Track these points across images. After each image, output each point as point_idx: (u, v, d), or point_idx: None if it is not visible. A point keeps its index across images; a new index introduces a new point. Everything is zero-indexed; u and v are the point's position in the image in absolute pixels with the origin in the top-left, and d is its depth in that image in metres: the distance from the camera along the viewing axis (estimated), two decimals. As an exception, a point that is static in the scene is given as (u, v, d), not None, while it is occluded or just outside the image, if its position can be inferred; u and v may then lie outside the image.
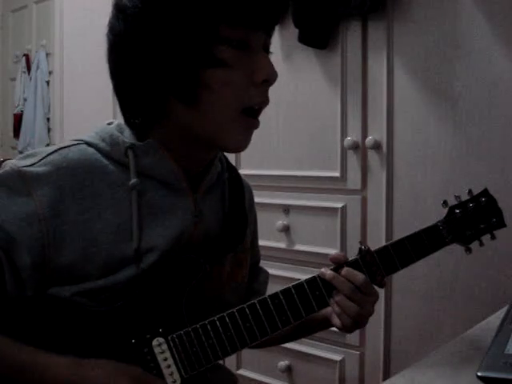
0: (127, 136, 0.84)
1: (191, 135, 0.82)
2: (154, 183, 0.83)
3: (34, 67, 3.61)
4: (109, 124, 0.87)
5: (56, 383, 0.72)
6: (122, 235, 0.79)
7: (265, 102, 0.82)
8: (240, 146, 0.84)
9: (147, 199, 0.82)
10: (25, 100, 3.72)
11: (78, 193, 0.78)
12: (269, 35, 0.83)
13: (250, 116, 0.82)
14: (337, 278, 0.84)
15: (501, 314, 0.98)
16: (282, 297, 0.83)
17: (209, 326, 0.81)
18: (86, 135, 0.85)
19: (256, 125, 0.84)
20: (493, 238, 0.92)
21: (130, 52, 0.80)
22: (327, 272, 0.85)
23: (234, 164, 1.00)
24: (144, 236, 0.80)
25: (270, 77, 0.79)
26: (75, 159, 0.79)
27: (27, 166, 0.78)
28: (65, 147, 0.81)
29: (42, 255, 0.76)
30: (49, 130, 3.57)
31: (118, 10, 0.81)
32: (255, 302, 0.83)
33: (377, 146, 1.61)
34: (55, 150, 0.80)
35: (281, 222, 1.81)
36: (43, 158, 0.79)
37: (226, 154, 0.96)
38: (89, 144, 0.82)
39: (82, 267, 0.77)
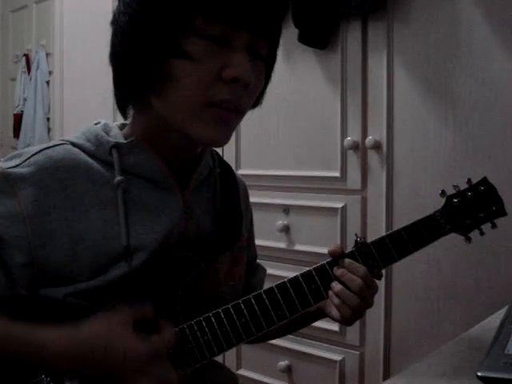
0: (113, 135, 0.85)
1: (168, 126, 0.81)
2: (140, 181, 0.83)
3: (34, 67, 3.61)
4: (96, 124, 0.88)
5: (54, 358, 0.73)
6: (109, 233, 0.79)
7: (233, 101, 0.77)
8: (212, 139, 0.79)
9: (133, 197, 0.82)
10: (25, 100, 3.72)
11: (63, 192, 0.78)
12: (257, 37, 0.78)
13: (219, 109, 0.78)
14: (343, 271, 0.84)
15: (501, 314, 0.98)
16: (277, 291, 0.83)
17: (204, 323, 0.81)
18: (71, 136, 0.85)
19: (229, 118, 0.79)
20: (494, 226, 0.91)
21: (116, 36, 0.81)
22: (339, 270, 0.85)
23: (233, 164, 1.00)
24: (132, 234, 0.80)
25: (240, 76, 0.75)
26: (59, 159, 0.80)
27: (12, 167, 0.78)
28: (49, 147, 0.81)
29: (29, 254, 0.76)
30: (49, 130, 3.57)
31: None
32: (250, 297, 0.83)
33: (377, 146, 1.61)
34: (40, 151, 0.80)
35: (281, 221, 1.81)
36: (27, 158, 0.79)
37: (224, 153, 0.96)
38: (74, 144, 0.83)
39: (71, 266, 0.78)
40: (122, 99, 0.85)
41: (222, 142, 0.81)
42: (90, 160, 0.82)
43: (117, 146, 0.82)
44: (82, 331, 0.74)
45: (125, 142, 0.83)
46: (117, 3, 0.82)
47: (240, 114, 0.80)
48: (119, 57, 0.81)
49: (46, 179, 0.78)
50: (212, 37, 0.75)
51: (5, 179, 0.77)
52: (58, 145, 0.82)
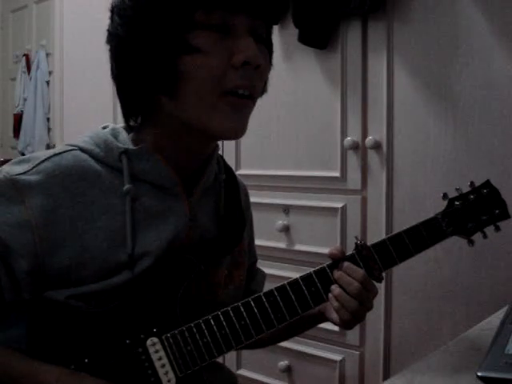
0: (122, 140, 0.84)
1: (181, 128, 0.81)
2: (148, 188, 0.83)
3: (34, 67, 3.62)
4: (104, 128, 0.87)
5: None
6: (116, 241, 0.79)
7: (247, 85, 0.78)
8: (231, 129, 0.79)
9: (141, 204, 0.82)
10: (25, 100, 3.73)
11: (71, 200, 0.78)
12: (257, 19, 0.78)
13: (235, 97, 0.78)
14: (341, 274, 0.84)
15: (501, 314, 0.98)
16: (276, 294, 0.83)
17: (203, 325, 0.80)
18: (79, 140, 0.84)
19: (245, 105, 0.79)
20: (497, 229, 0.90)
21: (118, 49, 0.81)
22: (338, 273, 0.85)
23: (233, 164, 1.00)
24: (138, 241, 0.80)
25: (250, 59, 0.76)
26: (68, 166, 0.79)
27: (20, 173, 0.77)
28: (58, 154, 0.80)
29: (35, 262, 0.76)
30: (49, 130, 3.57)
31: (110, 13, 0.82)
32: (250, 300, 0.82)
33: (377, 146, 1.61)
34: (48, 157, 0.80)
35: (281, 221, 1.81)
36: (36, 165, 0.78)
37: (224, 153, 0.96)
38: (82, 150, 0.82)
39: (76, 273, 0.78)
40: (131, 110, 0.85)
41: (240, 133, 0.81)
42: (98, 167, 0.81)
43: (126, 152, 0.82)
44: (78, 381, 0.75)
45: (134, 148, 0.82)
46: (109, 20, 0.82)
47: (253, 99, 0.81)
48: (127, 68, 0.80)
49: (55, 188, 0.77)
50: (214, 26, 0.75)
51: (13, 186, 0.76)
52: (66, 151, 0.81)
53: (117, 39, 0.80)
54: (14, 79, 3.89)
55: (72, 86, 2.59)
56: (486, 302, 1.43)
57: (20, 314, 0.78)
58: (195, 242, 0.86)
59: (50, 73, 3.48)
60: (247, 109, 0.80)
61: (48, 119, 3.58)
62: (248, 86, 0.78)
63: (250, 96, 0.79)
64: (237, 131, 0.80)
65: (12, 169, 0.78)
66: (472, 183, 0.91)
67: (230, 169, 0.99)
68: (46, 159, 0.79)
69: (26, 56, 3.73)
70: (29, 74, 3.69)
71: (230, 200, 0.94)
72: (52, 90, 3.34)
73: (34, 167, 0.78)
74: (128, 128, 0.87)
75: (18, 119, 3.80)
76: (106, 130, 0.86)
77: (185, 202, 0.85)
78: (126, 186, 0.80)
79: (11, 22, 3.94)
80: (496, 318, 0.98)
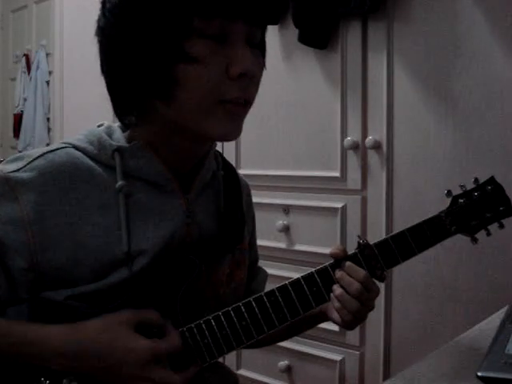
0: (116, 138, 0.84)
1: (176, 129, 0.81)
2: (142, 185, 0.83)
3: (33, 67, 3.61)
4: (99, 126, 0.87)
5: (54, 354, 0.73)
6: (110, 238, 0.79)
7: (243, 96, 0.78)
8: (226, 134, 0.79)
9: (136, 201, 0.82)
10: (25, 100, 3.72)
11: (64, 197, 0.78)
12: (254, 26, 0.78)
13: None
14: (342, 274, 0.84)
15: (501, 314, 0.98)
16: (278, 294, 0.83)
17: (204, 326, 0.80)
18: (74, 138, 0.84)
19: (241, 111, 0.79)
20: (501, 226, 0.90)
21: (109, 48, 0.80)
22: (339, 273, 0.84)
23: (233, 164, 1.00)
24: (134, 238, 0.80)
25: (247, 70, 0.75)
26: (61, 163, 0.79)
27: (13, 171, 0.77)
28: (51, 151, 0.80)
29: (31, 259, 0.76)
30: (49, 130, 3.57)
31: (101, 6, 0.81)
32: (251, 299, 0.82)
33: (377, 146, 1.61)
34: (42, 154, 0.80)
35: (281, 221, 1.81)
36: (29, 162, 0.78)
37: (224, 153, 0.95)
38: (76, 147, 0.82)
39: (72, 271, 0.77)
40: (123, 110, 0.85)
41: (235, 136, 0.81)
42: (92, 164, 0.81)
43: (119, 149, 0.82)
44: (83, 329, 0.74)
45: (127, 145, 0.82)
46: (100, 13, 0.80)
47: (249, 105, 0.81)
48: (119, 69, 0.80)
49: (48, 184, 0.77)
50: (211, 35, 0.74)
51: (6, 183, 0.76)
52: (60, 148, 0.81)
53: (109, 39, 0.80)
54: (14, 79, 3.89)
55: (72, 86, 2.59)
56: (486, 302, 1.43)
57: (18, 313, 0.78)
58: (194, 239, 0.86)
59: (50, 73, 3.47)
60: (243, 114, 0.81)
61: (48, 119, 3.57)
62: (245, 96, 0.78)
63: (246, 103, 0.79)
64: (232, 135, 0.80)
65: (5, 167, 0.79)
66: (476, 179, 0.90)
67: (230, 165, 0.99)
68: (39, 156, 0.79)
69: (26, 56, 3.72)
70: (29, 74, 3.68)
71: (230, 197, 0.94)
72: (52, 90, 3.34)
73: (27, 164, 0.78)
74: (123, 126, 0.87)
75: (18, 119, 3.79)
76: (100, 128, 0.86)
77: (181, 200, 0.85)
78: (119, 183, 0.80)
79: (11, 21, 3.94)
80: (496, 318, 0.98)
